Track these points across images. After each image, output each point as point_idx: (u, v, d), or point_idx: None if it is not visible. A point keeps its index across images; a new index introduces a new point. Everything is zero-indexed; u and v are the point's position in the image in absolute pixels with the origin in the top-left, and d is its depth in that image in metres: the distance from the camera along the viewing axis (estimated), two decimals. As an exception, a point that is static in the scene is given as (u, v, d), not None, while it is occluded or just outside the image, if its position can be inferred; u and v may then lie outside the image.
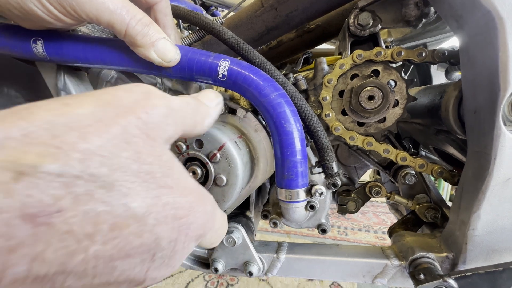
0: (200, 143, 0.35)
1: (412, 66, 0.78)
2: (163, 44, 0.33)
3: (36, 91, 0.51)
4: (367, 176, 0.78)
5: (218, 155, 0.35)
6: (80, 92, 0.44)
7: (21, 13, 0.30)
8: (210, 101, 0.28)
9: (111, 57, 0.37)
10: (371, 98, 0.42)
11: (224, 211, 0.47)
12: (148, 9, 0.38)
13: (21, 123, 0.14)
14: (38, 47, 0.36)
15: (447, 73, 0.71)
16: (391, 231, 0.51)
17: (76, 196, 0.14)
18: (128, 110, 0.18)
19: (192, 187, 0.21)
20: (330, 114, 0.45)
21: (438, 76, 0.76)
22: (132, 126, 0.17)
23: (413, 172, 0.51)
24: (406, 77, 0.44)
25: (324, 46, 0.79)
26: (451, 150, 0.52)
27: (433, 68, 0.76)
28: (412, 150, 0.71)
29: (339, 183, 0.42)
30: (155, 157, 0.18)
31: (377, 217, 1.86)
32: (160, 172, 0.18)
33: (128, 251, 0.16)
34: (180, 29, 0.77)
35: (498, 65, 0.29)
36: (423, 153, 0.75)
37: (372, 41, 0.50)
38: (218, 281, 1.12)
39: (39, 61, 0.42)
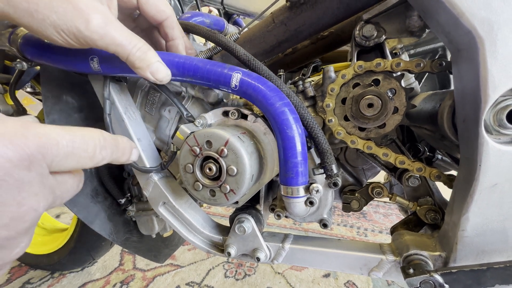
0: (209, 143, 0.42)
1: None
2: (156, 66, 0.41)
3: (87, 98, 0.63)
4: (381, 178, 0.80)
5: (225, 150, 0.41)
6: (121, 99, 0.53)
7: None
8: None
9: None
10: (370, 105, 0.45)
11: (237, 202, 0.54)
12: (158, 25, 0.48)
13: None
14: (95, 63, 0.46)
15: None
16: (393, 230, 0.54)
17: None
18: None
19: None
20: (333, 120, 0.49)
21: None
22: None
23: (417, 175, 0.53)
24: (406, 86, 0.47)
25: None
26: (458, 155, 0.53)
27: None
28: (428, 153, 0.71)
29: (340, 183, 0.47)
30: None
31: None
32: None
33: None
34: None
35: (480, 79, 0.31)
36: (439, 156, 0.75)
37: (378, 49, 0.53)
38: (236, 271, 1.20)
39: (91, 74, 0.52)
